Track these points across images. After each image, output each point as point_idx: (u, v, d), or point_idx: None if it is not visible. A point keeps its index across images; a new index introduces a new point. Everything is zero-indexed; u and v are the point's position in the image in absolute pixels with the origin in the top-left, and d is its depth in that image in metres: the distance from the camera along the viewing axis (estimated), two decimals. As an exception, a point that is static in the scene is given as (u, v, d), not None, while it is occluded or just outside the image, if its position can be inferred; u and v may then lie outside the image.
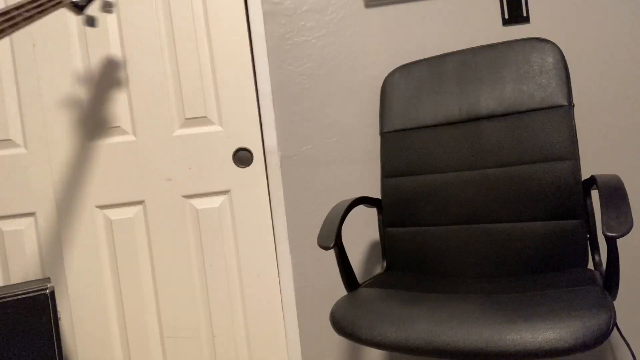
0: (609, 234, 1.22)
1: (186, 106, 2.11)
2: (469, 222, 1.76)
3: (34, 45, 2.04)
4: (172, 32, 2.09)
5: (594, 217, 1.60)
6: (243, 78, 2.11)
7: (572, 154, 1.63)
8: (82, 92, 2.08)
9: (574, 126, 1.65)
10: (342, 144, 2.12)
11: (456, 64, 1.88)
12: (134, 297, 2.13)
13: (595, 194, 1.60)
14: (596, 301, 1.22)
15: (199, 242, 2.13)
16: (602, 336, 1.14)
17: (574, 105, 1.68)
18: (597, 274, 1.50)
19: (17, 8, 1.16)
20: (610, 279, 1.31)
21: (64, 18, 2.05)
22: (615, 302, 1.27)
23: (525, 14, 2.03)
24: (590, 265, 1.57)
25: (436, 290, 1.55)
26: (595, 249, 1.59)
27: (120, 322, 2.13)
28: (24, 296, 1.81)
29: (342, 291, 2.13)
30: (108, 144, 2.09)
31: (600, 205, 1.31)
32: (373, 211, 2.08)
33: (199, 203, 2.13)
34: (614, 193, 1.33)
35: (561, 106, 1.66)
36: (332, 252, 2.10)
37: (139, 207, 2.12)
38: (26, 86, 2.06)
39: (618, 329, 1.49)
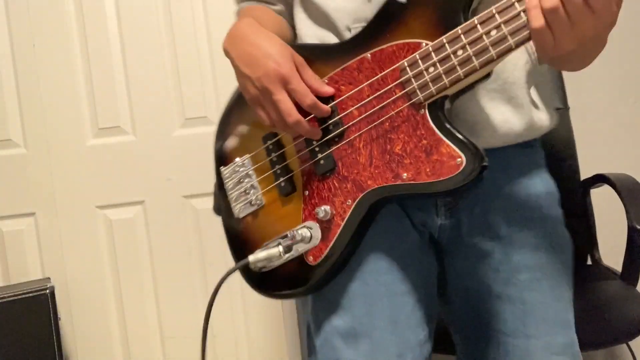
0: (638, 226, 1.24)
1: (186, 106, 2.10)
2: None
3: (33, 45, 2.04)
4: (171, 32, 2.09)
5: (593, 216, 1.61)
6: None
7: (570, 156, 1.63)
8: (82, 92, 2.07)
9: (571, 128, 1.66)
10: (342, 143, 2.12)
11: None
12: (134, 297, 2.12)
13: (594, 194, 1.61)
14: (622, 294, 1.22)
15: (198, 242, 2.13)
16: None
17: (569, 108, 1.69)
18: (602, 269, 1.51)
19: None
20: (631, 271, 1.31)
21: (63, 18, 2.05)
22: (614, 302, 1.29)
23: (525, 14, 2.03)
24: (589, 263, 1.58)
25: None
26: (595, 246, 1.59)
27: (121, 322, 2.13)
28: (24, 296, 1.82)
29: (342, 291, 2.13)
30: (108, 144, 2.09)
31: (624, 201, 1.32)
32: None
33: (199, 203, 2.13)
34: (634, 189, 1.36)
35: (557, 109, 1.67)
36: (332, 252, 2.10)
37: (139, 207, 2.11)
38: (26, 86, 2.05)
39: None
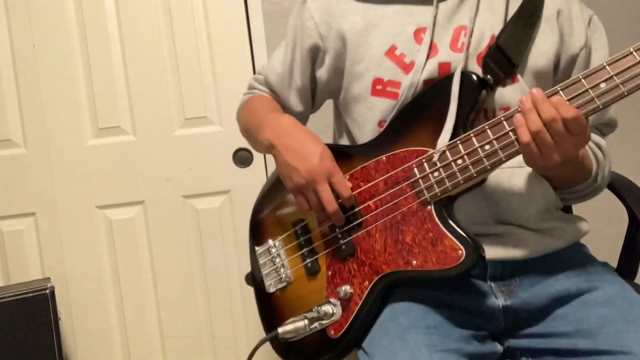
0: None
1: (186, 106, 2.11)
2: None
3: (33, 45, 2.05)
4: (172, 32, 2.09)
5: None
6: (243, 78, 2.05)
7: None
8: (82, 92, 2.07)
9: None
10: (342, 144, 2.11)
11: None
12: (134, 297, 2.13)
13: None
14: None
15: (199, 242, 2.13)
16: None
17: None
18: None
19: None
20: (631, 265, 1.34)
21: (63, 18, 2.05)
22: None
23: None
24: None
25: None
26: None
27: (120, 322, 2.13)
28: (24, 296, 1.81)
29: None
30: (108, 143, 2.09)
31: (629, 201, 1.35)
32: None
33: (199, 203, 2.13)
34: (631, 186, 1.38)
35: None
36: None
37: (138, 207, 2.12)
38: (26, 86, 2.05)
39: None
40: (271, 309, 1.19)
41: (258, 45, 2.11)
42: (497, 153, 0.93)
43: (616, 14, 2.03)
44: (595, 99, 0.86)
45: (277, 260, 1.18)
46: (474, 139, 0.95)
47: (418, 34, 1.08)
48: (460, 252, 0.94)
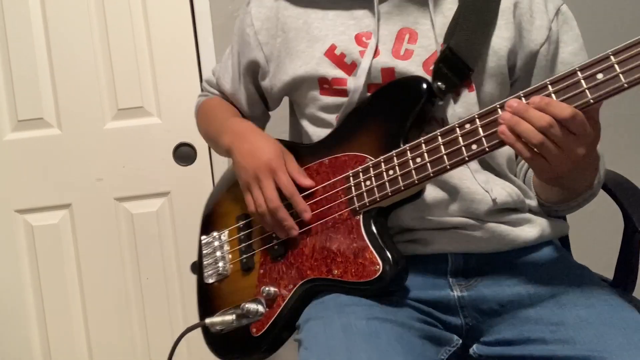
0: None
1: (119, 95, 2.03)
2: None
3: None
4: (102, 9, 1.99)
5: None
6: (185, 62, 2.04)
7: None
8: (-2, 79, 1.98)
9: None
10: (299, 139, 2.04)
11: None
12: (59, 314, 2.05)
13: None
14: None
15: (134, 252, 2.06)
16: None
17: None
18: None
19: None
20: (628, 276, 1.30)
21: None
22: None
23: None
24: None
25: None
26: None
27: (44, 342, 2.05)
28: None
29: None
30: (29, 138, 2.01)
31: (625, 203, 1.31)
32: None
33: (134, 207, 2.06)
34: (633, 190, 1.34)
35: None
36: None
37: (64, 212, 2.04)
38: None
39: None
40: (208, 299, 1.27)
41: (202, 24, 2.03)
42: (426, 167, 0.96)
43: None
44: (587, 92, 0.82)
45: (219, 252, 1.25)
46: (408, 152, 0.99)
47: (359, 36, 1.13)
48: (377, 267, 0.96)
